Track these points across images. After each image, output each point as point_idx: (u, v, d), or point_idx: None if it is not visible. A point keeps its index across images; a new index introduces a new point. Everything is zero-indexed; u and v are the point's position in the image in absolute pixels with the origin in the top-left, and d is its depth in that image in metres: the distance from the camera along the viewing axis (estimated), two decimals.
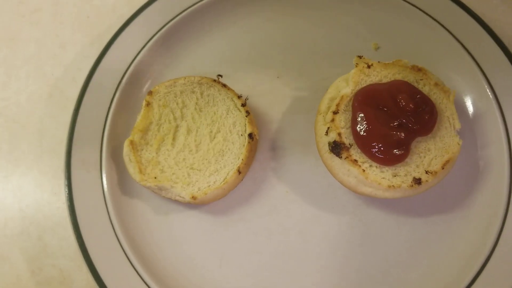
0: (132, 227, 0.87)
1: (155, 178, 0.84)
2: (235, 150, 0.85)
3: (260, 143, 0.92)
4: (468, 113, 0.91)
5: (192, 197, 0.81)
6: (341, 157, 0.80)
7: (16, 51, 1.03)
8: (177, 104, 0.90)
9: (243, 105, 0.88)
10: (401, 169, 0.80)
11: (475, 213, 0.85)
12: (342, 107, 0.83)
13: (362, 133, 0.80)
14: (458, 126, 0.82)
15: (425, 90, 0.85)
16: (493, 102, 0.88)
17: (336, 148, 0.80)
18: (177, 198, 0.83)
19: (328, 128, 0.82)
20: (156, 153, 0.87)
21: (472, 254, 0.82)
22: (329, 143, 0.82)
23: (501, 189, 0.84)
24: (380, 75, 0.86)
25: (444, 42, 0.93)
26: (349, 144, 0.81)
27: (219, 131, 0.88)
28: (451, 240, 0.84)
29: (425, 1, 0.95)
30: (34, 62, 1.02)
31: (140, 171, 0.84)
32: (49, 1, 1.07)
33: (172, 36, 0.98)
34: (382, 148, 0.79)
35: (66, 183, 0.85)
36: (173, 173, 0.85)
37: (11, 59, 1.02)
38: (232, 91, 0.90)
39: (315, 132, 0.85)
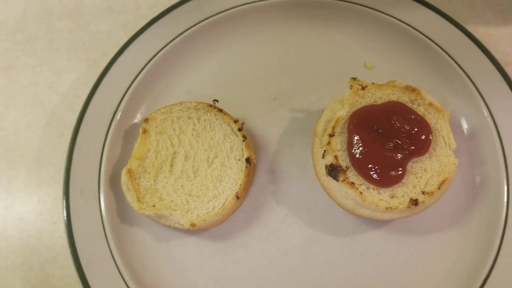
0: (132, 255, 0.87)
1: (154, 206, 0.84)
2: (233, 175, 0.86)
3: (258, 166, 0.92)
4: (463, 130, 0.91)
5: (191, 224, 0.82)
6: (338, 180, 0.80)
7: (13, 80, 1.03)
8: (174, 130, 0.90)
9: (240, 129, 0.88)
10: (398, 190, 0.80)
11: (474, 231, 0.85)
12: (337, 129, 0.83)
13: (358, 155, 0.80)
14: (453, 145, 0.83)
15: (420, 110, 0.85)
16: (488, 119, 0.89)
17: (333, 171, 0.81)
18: (176, 225, 0.83)
19: (325, 151, 0.83)
20: (154, 181, 0.87)
21: (472, 272, 0.83)
22: (326, 166, 0.82)
23: (499, 205, 0.84)
24: (374, 96, 0.86)
25: (437, 59, 0.94)
26: (346, 166, 0.81)
27: (217, 157, 0.88)
28: (451, 259, 0.84)
29: (418, 19, 0.95)
30: (31, 91, 1.02)
31: (139, 200, 0.85)
32: (44, 29, 1.08)
33: (167, 61, 0.99)
34: (378, 170, 0.79)
35: (65, 213, 0.86)
36: (171, 201, 0.85)
37: (8, 88, 1.03)
38: (229, 115, 0.90)
39: (312, 155, 0.86)
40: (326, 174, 0.82)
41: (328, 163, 0.82)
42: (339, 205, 0.83)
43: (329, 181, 0.82)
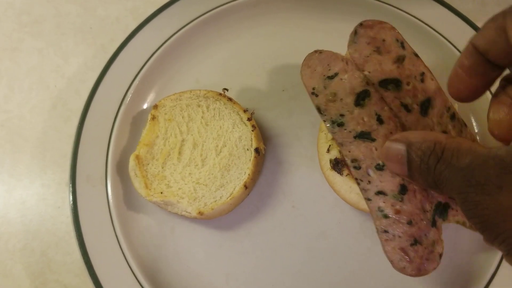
0: (137, 242, 0.86)
1: (161, 193, 0.83)
2: (241, 165, 0.85)
3: (266, 157, 0.91)
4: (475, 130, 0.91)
5: (199, 212, 0.81)
6: (343, 174, 0.81)
7: (18, 62, 1.02)
8: (183, 117, 0.90)
9: (249, 119, 0.87)
10: None
11: None
12: None
13: None
14: None
15: None
16: None
17: (338, 165, 0.81)
18: (183, 213, 0.83)
19: (330, 145, 0.83)
20: (162, 168, 0.86)
21: (477, 272, 0.83)
22: (331, 160, 0.82)
23: None
24: None
25: (449, 56, 0.93)
26: None
27: (225, 146, 0.87)
28: (456, 257, 0.84)
29: (430, 15, 0.95)
30: (36, 74, 1.01)
31: (146, 186, 0.84)
32: (51, 11, 1.06)
33: (176, 49, 0.97)
34: None
35: (71, 198, 0.85)
36: (179, 188, 0.84)
37: (13, 71, 1.01)
38: (238, 105, 0.89)
39: (317, 150, 0.86)
40: (330, 168, 0.82)
41: (333, 158, 0.82)
42: (343, 199, 0.83)
43: (334, 175, 0.82)
